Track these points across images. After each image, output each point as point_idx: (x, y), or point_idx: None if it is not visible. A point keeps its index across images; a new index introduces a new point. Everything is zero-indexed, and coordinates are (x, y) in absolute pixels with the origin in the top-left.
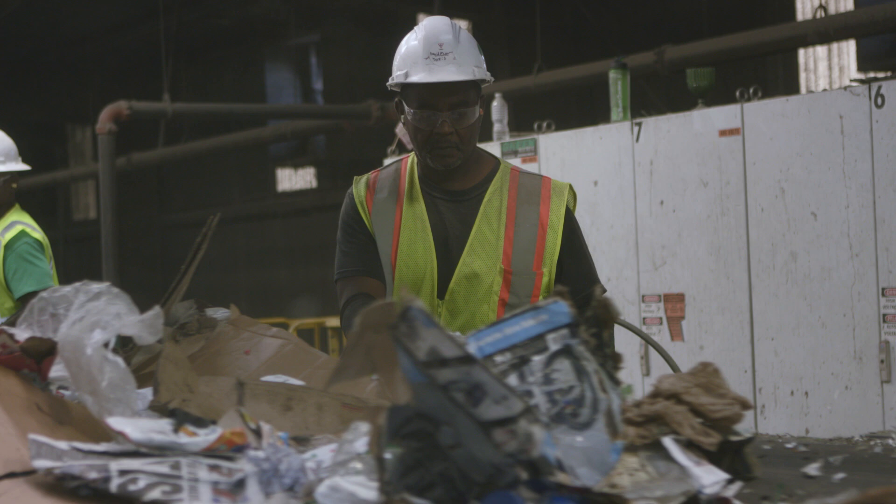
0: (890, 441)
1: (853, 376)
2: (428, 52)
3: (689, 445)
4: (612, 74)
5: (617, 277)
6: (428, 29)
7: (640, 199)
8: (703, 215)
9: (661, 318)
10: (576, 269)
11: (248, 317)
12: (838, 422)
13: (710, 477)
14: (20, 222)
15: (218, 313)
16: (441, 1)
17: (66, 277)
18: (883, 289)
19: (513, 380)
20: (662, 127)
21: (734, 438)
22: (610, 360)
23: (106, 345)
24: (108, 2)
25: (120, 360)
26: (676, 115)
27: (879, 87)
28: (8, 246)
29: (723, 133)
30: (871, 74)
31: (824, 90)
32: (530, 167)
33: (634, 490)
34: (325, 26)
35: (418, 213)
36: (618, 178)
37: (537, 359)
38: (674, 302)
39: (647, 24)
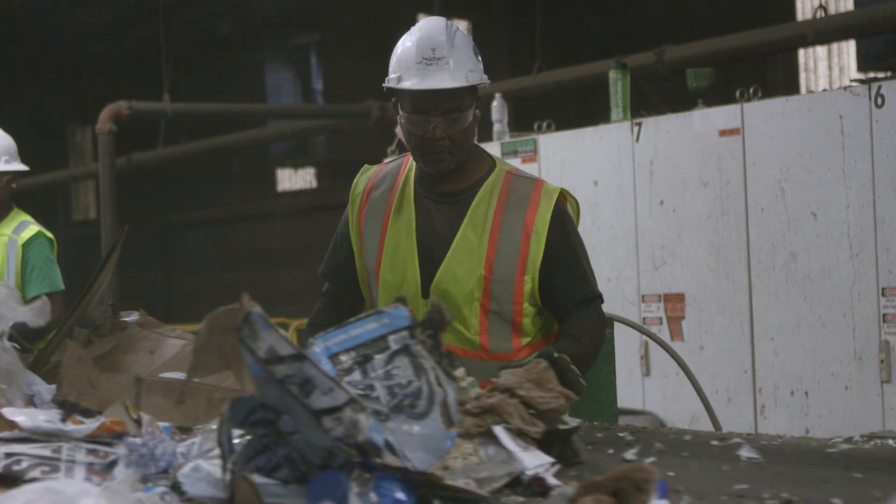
0: (890, 442)
1: (853, 376)
2: (421, 56)
3: (521, 434)
4: (612, 74)
5: (617, 277)
6: (422, 31)
7: (640, 199)
8: (703, 215)
9: (661, 318)
10: (566, 275)
11: (155, 320)
12: (838, 422)
13: (534, 461)
14: (31, 222)
15: (129, 317)
16: (441, 1)
17: (66, 277)
18: (883, 289)
19: (357, 375)
20: (662, 127)
21: (562, 427)
22: (445, 359)
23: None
24: (108, 2)
25: (10, 347)
26: (676, 116)
27: (879, 88)
28: (26, 245)
29: (723, 133)
30: (871, 74)
31: (824, 90)
32: (530, 167)
33: (464, 472)
34: (325, 26)
35: (407, 213)
36: (618, 178)
37: (379, 357)
38: (674, 302)
39: (647, 24)
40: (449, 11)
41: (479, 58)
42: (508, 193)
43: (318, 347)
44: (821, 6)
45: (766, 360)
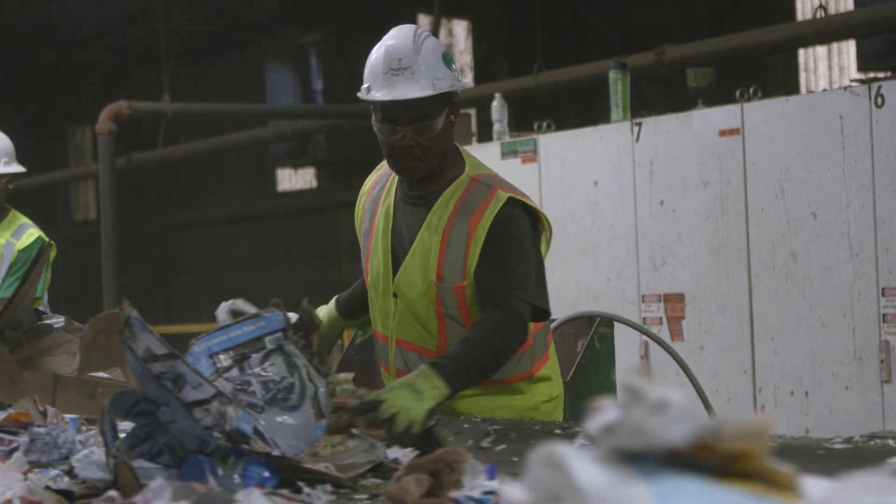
0: (890, 442)
1: (853, 376)
2: (387, 66)
3: None
4: (612, 74)
5: (617, 277)
6: (389, 42)
7: (640, 199)
8: (703, 215)
9: (661, 318)
10: (489, 274)
11: (79, 325)
12: (838, 422)
13: (395, 450)
14: (31, 226)
15: (53, 320)
16: (441, 2)
17: (66, 277)
18: (883, 289)
19: (235, 372)
20: (662, 127)
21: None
22: (316, 357)
23: None
24: (108, 1)
25: None
26: (676, 116)
27: (879, 88)
28: (23, 250)
29: (723, 133)
30: (871, 74)
31: (824, 90)
32: (530, 167)
33: (331, 458)
34: (325, 26)
35: (388, 212)
36: (618, 178)
37: (255, 356)
38: (674, 302)
39: (647, 24)
40: (449, 12)
41: (453, 65)
42: (464, 199)
43: (199, 347)
44: (821, 6)
45: (766, 360)
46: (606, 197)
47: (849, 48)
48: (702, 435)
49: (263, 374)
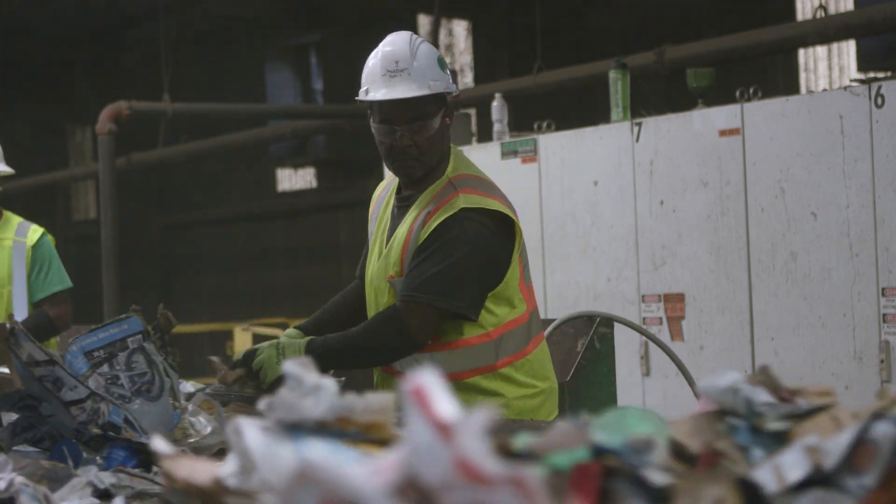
0: None
1: (853, 376)
2: (385, 69)
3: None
4: (612, 74)
5: (617, 277)
6: (387, 46)
7: (640, 199)
8: (703, 215)
9: (661, 318)
10: (408, 275)
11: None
12: None
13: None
14: (29, 223)
15: None
16: (441, 2)
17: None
18: (883, 289)
19: (106, 368)
20: (662, 127)
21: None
22: (170, 356)
23: None
24: (109, 1)
25: None
26: (676, 116)
27: (879, 88)
28: (35, 247)
29: (723, 133)
30: (871, 74)
31: (824, 90)
32: (530, 167)
33: (182, 441)
34: (325, 26)
35: (385, 215)
36: (618, 178)
37: (122, 354)
38: (674, 302)
39: (647, 24)
40: (449, 12)
41: (447, 69)
42: (433, 200)
43: (76, 346)
44: (821, 6)
45: (766, 360)
46: (606, 197)
47: (849, 48)
48: (340, 410)
49: (129, 369)
